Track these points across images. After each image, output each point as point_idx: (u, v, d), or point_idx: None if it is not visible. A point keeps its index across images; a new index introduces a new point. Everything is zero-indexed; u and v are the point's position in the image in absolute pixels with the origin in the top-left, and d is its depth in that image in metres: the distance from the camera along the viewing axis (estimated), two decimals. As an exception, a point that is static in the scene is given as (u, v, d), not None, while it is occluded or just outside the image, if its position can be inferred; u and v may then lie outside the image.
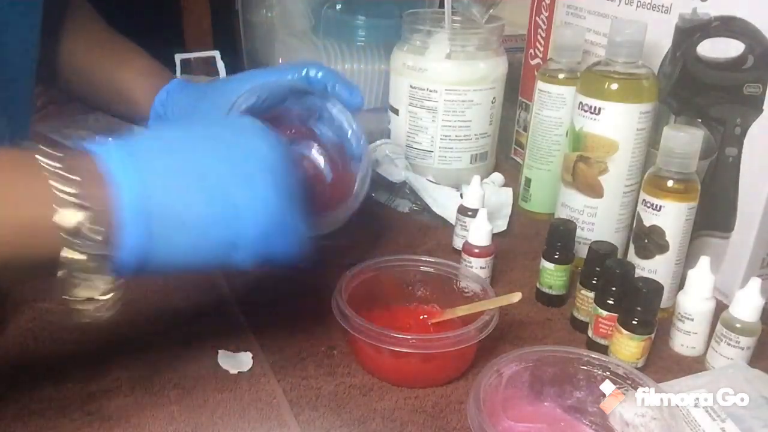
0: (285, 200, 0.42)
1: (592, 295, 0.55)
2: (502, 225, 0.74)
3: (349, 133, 0.60)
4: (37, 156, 0.35)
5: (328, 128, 0.61)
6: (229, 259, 0.41)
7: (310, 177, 0.60)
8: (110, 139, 0.39)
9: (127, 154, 0.38)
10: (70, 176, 0.35)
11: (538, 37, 0.86)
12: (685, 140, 0.53)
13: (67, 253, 0.35)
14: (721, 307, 0.54)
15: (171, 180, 0.38)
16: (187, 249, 0.39)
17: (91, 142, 0.39)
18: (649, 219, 0.55)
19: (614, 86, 0.60)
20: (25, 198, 0.35)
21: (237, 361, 0.51)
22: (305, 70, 0.59)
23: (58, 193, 0.34)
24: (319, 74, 0.59)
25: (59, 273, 0.36)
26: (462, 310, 0.53)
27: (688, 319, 0.54)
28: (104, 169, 0.36)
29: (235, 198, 0.40)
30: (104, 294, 0.37)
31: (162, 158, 0.39)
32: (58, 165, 0.35)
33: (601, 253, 0.56)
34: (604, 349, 0.53)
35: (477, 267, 0.61)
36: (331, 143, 0.61)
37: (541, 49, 0.86)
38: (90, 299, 0.37)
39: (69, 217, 0.34)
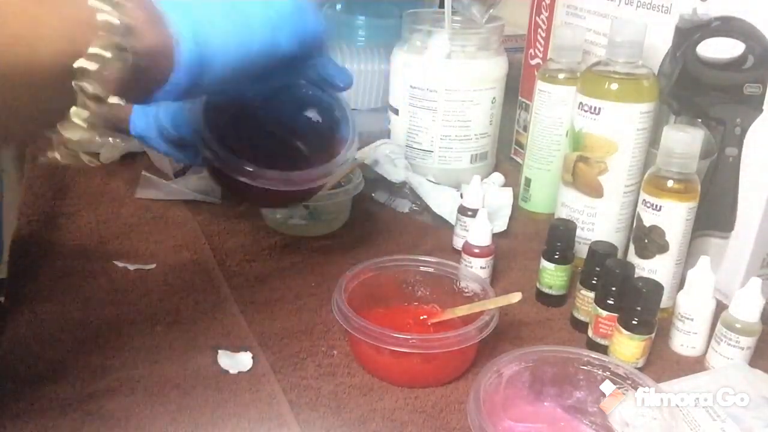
0: None
1: (592, 295, 0.55)
2: (502, 225, 0.74)
3: (337, 112, 0.59)
4: None
5: (318, 114, 0.61)
6: (275, 46, 0.42)
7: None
8: None
9: None
10: None
11: (538, 37, 0.86)
12: (685, 140, 0.53)
13: (95, 50, 0.34)
14: (721, 307, 0.54)
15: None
16: (233, 36, 0.40)
17: None
18: (649, 219, 0.55)
19: (614, 86, 0.60)
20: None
21: (237, 361, 0.51)
22: None
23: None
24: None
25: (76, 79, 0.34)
26: (462, 310, 0.53)
27: (688, 319, 0.54)
28: None
29: None
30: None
31: None
32: None
33: (601, 253, 0.56)
34: (604, 349, 0.53)
35: (477, 267, 0.61)
36: (315, 125, 0.61)
37: (541, 49, 0.86)
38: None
39: (111, 13, 0.34)
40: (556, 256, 0.60)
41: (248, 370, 0.50)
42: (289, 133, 0.60)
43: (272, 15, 0.42)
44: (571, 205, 0.65)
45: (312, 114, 0.60)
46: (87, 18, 0.33)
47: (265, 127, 0.59)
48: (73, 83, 0.34)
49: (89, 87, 0.34)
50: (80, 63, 0.33)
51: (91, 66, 0.33)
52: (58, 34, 0.33)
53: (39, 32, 0.32)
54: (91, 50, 0.33)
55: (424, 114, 0.80)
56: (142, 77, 0.36)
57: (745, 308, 0.51)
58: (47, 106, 0.35)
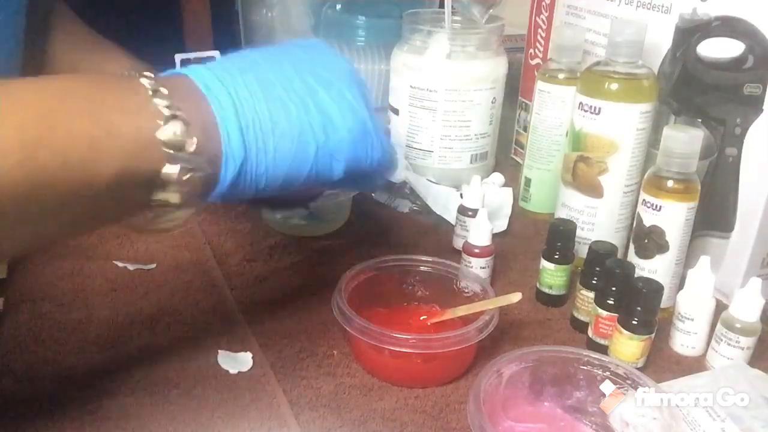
0: (368, 109, 0.43)
1: (592, 295, 0.55)
2: (502, 225, 0.74)
3: None
4: (138, 77, 0.36)
5: None
6: (328, 170, 0.42)
7: None
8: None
9: (214, 72, 0.39)
10: (168, 92, 0.36)
11: (538, 37, 0.86)
12: (685, 140, 0.53)
13: (168, 169, 0.35)
14: (721, 307, 0.54)
15: (260, 91, 0.39)
16: (284, 159, 0.40)
17: (177, 68, 0.40)
18: (649, 219, 0.55)
19: (614, 86, 0.60)
20: (130, 112, 0.35)
21: (237, 361, 0.51)
22: None
23: (160, 107, 0.35)
24: None
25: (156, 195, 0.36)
26: (462, 310, 0.53)
27: (688, 319, 0.54)
28: (195, 85, 0.38)
29: (325, 105, 0.41)
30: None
31: (248, 72, 0.40)
32: (156, 83, 0.36)
33: (601, 253, 0.56)
34: (604, 349, 0.53)
35: (477, 267, 0.61)
36: None
37: (541, 49, 0.86)
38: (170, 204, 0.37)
39: (170, 129, 0.35)
40: (556, 256, 0.60)
41: (248, 370, 0.50)
42: None
43: (331, 144, 0.41)
44: (571, 205, 0.65)
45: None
46: (145, 137, 0.35)
47: None
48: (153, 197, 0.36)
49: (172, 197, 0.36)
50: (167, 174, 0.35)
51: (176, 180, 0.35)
52: (115, 154, 0.34)
53: (95, 154, 0.33)
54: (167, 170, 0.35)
55: (424, 114, 0.80)
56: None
57: (745, 308, 0.51)
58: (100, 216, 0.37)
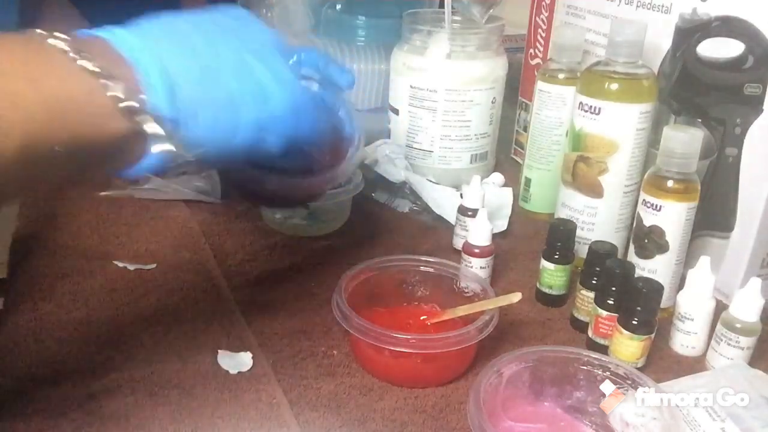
0: (298, 80, 0.42)
1: (592, 295, 0.55)
2: (502, 225, 0.74)
3: (342, 112, 0.59)
4: (49, 40, 0.33)
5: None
6: (261, 143, 0.41)
7: None
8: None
9: (138, 36, 0.36)
10: (93, 57, 0.33)
11: (538, 37, 0.86)
12: (685, 140, 0.53)
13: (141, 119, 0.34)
14: (721, 307, 0.54)
15: (189, 57, 0.37)
16: (213, 127, 0.38)
17: (95, 29, 0.37)
18: (649, 219, 0.55)
19: (614, 86, 0.60)
20: (50, 76, 0.32)
21: (237, 361, 0.51)
22: (296, 55, 0.59)
23: (91, 69, 0.33)
24: (312, 55, 0.58)
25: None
26: (462, 310, 0.53)
27: (688, 319, 0.54)
28: (119, 52, 0.35)
29: (258, 74, 0.39)
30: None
31: (173, 39, 0.38)
32: (73, 48, 0.33)
33: (601, 253, 0.56)
34: (604, 349, 0.53)
35: (477, 267, 0.61)
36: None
37: (541, 49, 0.86)
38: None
39: (114, 90, 0.33)
40: (556, 256, 0.60)
41: (248, 370, 0.50)
42: None
43: (264, 115, 0.40)
44: (571, 205, 0.65)
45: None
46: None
47: None
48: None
49: None
50: None
51: None
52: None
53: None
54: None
55: (424, 114, 0.80)
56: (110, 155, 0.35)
57: (745, 308, 0.51)
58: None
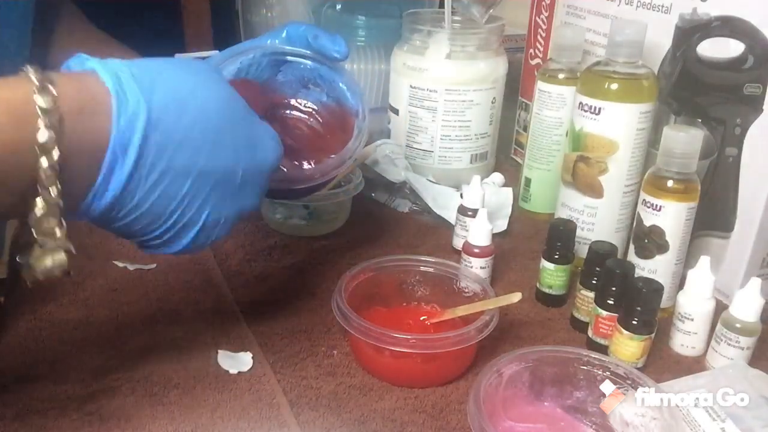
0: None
1: (592, 295, 0.55)
2: (502, 225, 0.74)
3: (342, 84, 0.59)
4: (24, 69, 0.33)
5: (322, 91, 0.60)
6: (170, 244, 0.41)
7: (291, 128, 0.59)
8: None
9: (131, 72, 0.36)
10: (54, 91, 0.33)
11: (538, 37, 0.86)
12: (685, 140, 0.53)
13: (43, 174, 0.32)
14: (721, 307, 0.54)
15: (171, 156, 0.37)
16: (143, 225, 0.38)
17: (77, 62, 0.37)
18: (649, 219, 0.55)
19: (614, 86, 0.60)
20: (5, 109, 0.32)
21: (237, 361, 0.51)
22: (285, 30, 0.58)
23: (42, 104, 0.32)
24: (300, 29, 0.57)
25: (36, 206, 0.33)
26: (462, 310, 0.53)
27: (688, 319, 0.54)
28: (101, 86, 0.35)
29: (224, 206, 0.41)
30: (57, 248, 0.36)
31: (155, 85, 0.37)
32: (44, 78, 0.33)
33: (601, 253, 0.56)
34: (604, 349, 0.53)
35: (477, 267, 0.61)
36: (321, 103, 0.60)
37: (541, 49, 0.86)
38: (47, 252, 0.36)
39: (43, 134, 0.32)
40: (556, 256, 0.60)
41: (248, 370, 0.50)
42: (296, 110, 0.60)
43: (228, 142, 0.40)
44: (571, 205, 0.65)
45: (315, 88, 0.60)
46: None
47: (271, 111, 0.58)
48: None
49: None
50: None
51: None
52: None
53: None
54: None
55: (424, 114, 0.80)
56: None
57: (745, 308, 0.51)
58: None
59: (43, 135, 0.32)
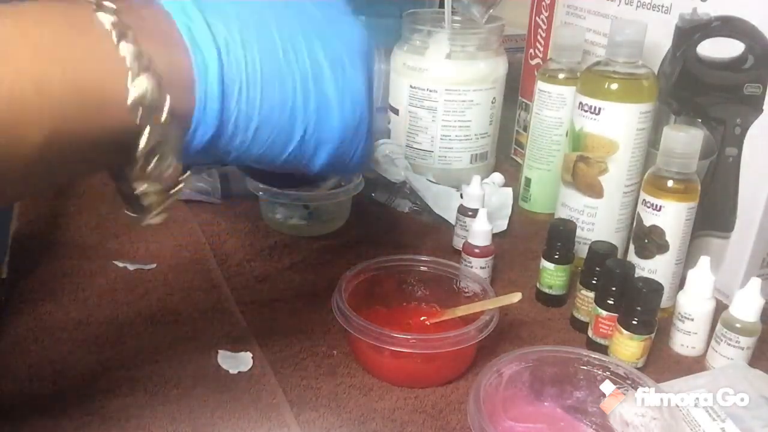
0: (369, 102, 0.38)
1: (592, 295, 0.55)
2: (502, 225, 0.74)
3: None
4: (97, 13, 0.30)
5: None
6: (308, 159, 0.37)
7: None
8: None
9: (204, 15, 0.32)
10: (140, 42, 0.30)
11: (538, 37, 0.86)
12: (685, 140, 0.53)
13: (141, 124, 0.30)
14: (721, 307, 0.54)
15: (257, 52, 0.33)
16: (263, 138, 0.35)
17: None
18: (649, 219, 0.55)
19: (614, 86, 0.60)
20: (83, 60, 0.29)
21: (237, 361, 0.51)
22: None
23: (123, 53, 0.29)
24: None
25: (139, 149, 0.30)
26: (462, 310, 0.53)
27: (688, 319, 0.54)
28: (178, 35, 0.31)
29: (326, 86, 0.36)
30: (167, 188, 0.33)
31: (248, 24, 0.34)
32: (119, 28, 0.29)
33: (601, 253, 0.56)
34: (604, 349, 0.53)
35: (477, 267, 0.61)
36: None
37: (541, 49, 0.86)
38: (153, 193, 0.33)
39: (139, 83, 0.29)
40: (556, 256, 0.60)
41: (248, 370, 0.50)
42: None
43: (320, 133, 0.36)
44: (571, 205, 0.65)
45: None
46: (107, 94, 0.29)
47: None
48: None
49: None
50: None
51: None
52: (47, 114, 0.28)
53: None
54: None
55: (424, 114, 0.80)
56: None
57: (745, 308, 0.51)
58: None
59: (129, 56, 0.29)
